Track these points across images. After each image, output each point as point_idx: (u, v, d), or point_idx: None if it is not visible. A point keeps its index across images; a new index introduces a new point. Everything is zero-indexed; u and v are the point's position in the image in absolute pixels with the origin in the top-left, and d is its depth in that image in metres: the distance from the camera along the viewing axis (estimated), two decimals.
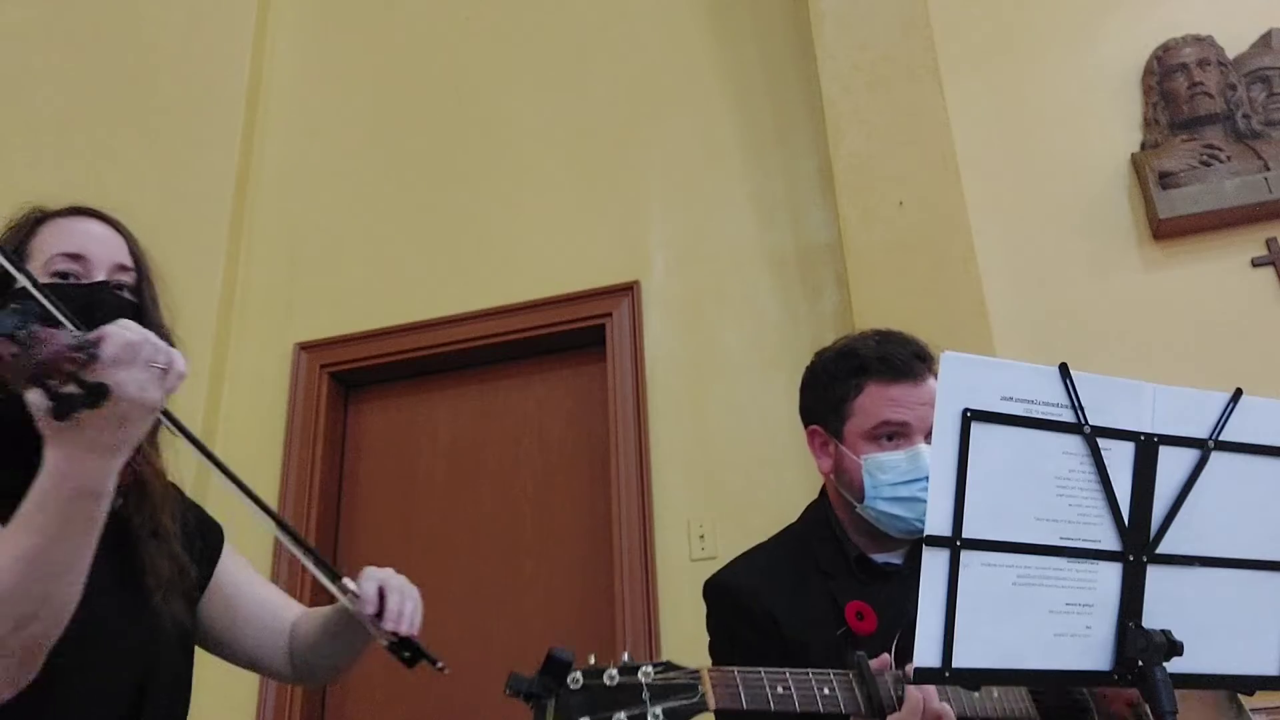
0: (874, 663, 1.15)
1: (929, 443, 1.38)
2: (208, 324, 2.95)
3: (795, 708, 1.07)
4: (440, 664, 1.26)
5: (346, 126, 3.33)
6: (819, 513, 1.54)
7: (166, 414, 1.11)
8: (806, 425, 1.54)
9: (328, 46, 3.48)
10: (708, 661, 1.33)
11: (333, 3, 3.56)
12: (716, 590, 1.48)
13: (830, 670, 1.12)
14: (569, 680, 0.95)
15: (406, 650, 1.25)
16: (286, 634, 1.38)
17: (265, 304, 3.12)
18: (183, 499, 1.36)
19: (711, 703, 1.00)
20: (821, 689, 1.09)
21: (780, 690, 1.06)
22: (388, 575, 1.25)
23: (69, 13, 3.56)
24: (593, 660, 0.98)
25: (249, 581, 1.39)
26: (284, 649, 1.37)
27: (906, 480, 1.39)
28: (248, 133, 3.28)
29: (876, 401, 1.43)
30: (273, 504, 2.80)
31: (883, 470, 1.41)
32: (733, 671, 1.04)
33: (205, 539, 1.37)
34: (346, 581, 1.22)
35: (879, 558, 1.46)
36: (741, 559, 1.53)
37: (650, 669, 0.98)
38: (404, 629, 1.23)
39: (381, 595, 1.23)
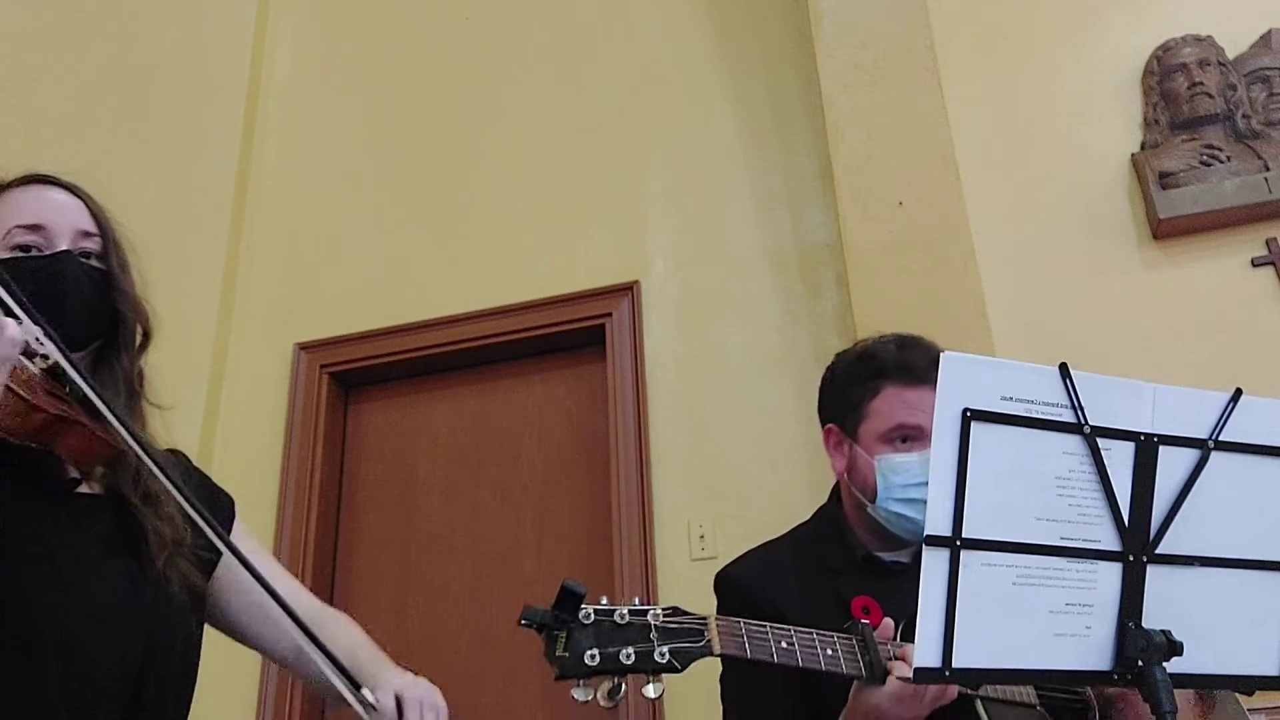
0: (877, 633, 1.18)
1: None
2: (208, 324, 2.95)
3: (798, 663, 1.11)
4: None
5: (346, 126, 3.33)
6: (829, 513, 1.57)
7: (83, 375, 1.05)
8: (823, 424, 1.57)
9: (328, 46, 3.48)
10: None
11: (333, 2, 3.55)
12: (725, 583, 1.51)
13: (835, 633, 1.16)
14: (581, 615, 0.99)
15: None
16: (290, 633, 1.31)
17: (265, 304, 3.12)
18: (184, 465, 1.31)
19: (716, 648, 1.05)
20: (825, 649, 1.13)
21: (784, 645, 1.10)
22: (406, 685, 1.15)
23: (69, 12, 3.55)
24: (604, 601, 1.02)
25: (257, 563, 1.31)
26: (287, 647, 1.28)
27: (918, 482, 1.40)
28: (248, 133, 3.27)
29: (892, 404, 1.46)
30: (272, 504, 2.81)
31: (895, 472, 1.43)
32: (739, 622, 1.09)
33: (213, 506, 1.30)
34: (365, 692, 1.12)
35: (887, 556, 1.49)
36: (751, 554, 1.56)
37: (660, 611, 1.03)
38: None
39: (400, 706, 1.13)
